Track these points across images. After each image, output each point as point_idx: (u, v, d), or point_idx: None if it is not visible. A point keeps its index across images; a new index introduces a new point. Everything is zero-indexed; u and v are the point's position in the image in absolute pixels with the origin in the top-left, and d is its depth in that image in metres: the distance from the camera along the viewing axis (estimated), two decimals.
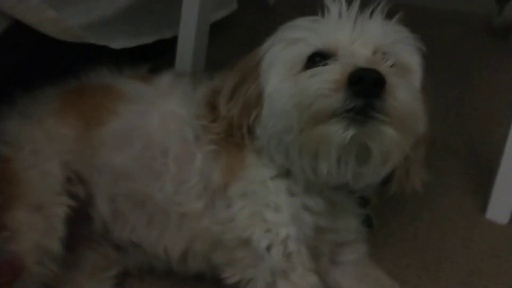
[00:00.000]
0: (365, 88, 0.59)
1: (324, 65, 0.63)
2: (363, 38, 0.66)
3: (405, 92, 0.62)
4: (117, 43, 0.92)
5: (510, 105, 0.88)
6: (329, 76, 0.61)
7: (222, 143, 0.73)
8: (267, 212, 0.69)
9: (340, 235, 0.76)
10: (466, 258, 0.82)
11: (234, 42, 1.23)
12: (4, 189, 0.73)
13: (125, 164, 0.76)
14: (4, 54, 0.78)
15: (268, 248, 0.68)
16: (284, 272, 0.68)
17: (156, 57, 1.05)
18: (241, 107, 0.71)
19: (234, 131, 0.71)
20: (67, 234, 0.74)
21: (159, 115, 0.77)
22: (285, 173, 0.71)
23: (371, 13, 0.68)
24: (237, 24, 1.27)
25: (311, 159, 0.65)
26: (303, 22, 0.70)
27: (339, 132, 0.60)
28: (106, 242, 0.80)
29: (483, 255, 0.83)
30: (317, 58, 0.65)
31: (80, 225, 0.78)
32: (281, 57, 0.68)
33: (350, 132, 0.60)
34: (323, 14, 0.69)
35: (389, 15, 0.68)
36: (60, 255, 0.73)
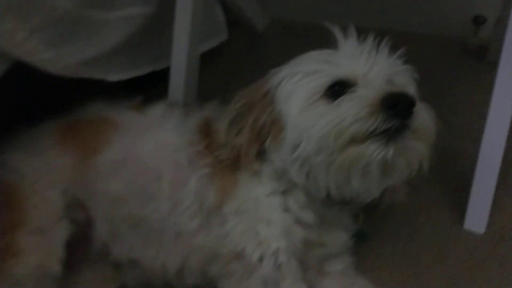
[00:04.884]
0: (401, 109, 0.68)
1: (348, 93, 0.70)
2: (376, 69, 0.73)
3: (425, 111, 0.72)
4: (113, 76, 0.98)
5: (483, 121, 0.93)
6: (364, 101, 0.68)
7: (215, 166, 0.79)
8: (259, 227, 0.75)
9: (327, 249, 0.81)
10: (444, 269, 0.86)
11: (225, 69, 1.29)
12: (7, 213, 0.79)
13: (120, 189, 0.81)
14: (6, 91, 0.84)
15: (260, 260, 0.74)
16: (275, 282, 0.73)
17: (150, 87, 1.12)
18: (250, 134, 0.76)
19: (241, 156, 0.77)
20: (66, 255, 0.80)
21: (152, 142, 0.83)
22: (282, 191, 0.77)
23: (378, 46, 0.75)
24: (227, 51, 1.33)
25: (341, 176, 0.71)
26: (317, 55, 0.77)
27: (379, 150, 0.67)
28: (104, 261, 0.85)
29: (461, 266, 0.87)
30: (336, 88, 0.72)
31: (79, 246, 0.83)
32: (300, 87, 0.74)
33: (391, 149, 0.68)
34: (325, 44, 0.76)
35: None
36: (60, 276, 0.79)
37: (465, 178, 0.93)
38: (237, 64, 1.32)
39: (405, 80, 0.77)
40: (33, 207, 0.80)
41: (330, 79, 0.73)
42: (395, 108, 0.67)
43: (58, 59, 0.85)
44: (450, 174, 1.01)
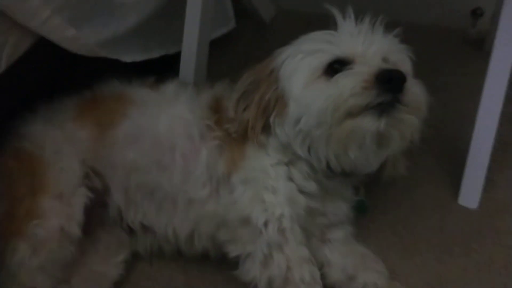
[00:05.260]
0: (393, 85, 0.73)
1: (347, 70, 0.76)
2: (373, 48, 0.78)
3: (416, 86, 0.77)
4: (127, 57, 1.04)
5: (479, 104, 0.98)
6: (360, 77, 0.73)
7: (225, 139, 0.85)
8: (265, 194, 0.80)
9: (329, 218, 0.87)
10: (440, 238, 0.92)
11: (233, 57, 1.34)
12: (30, 180, 0.84)
13: (135, 159, 0.87)
14: (29, 67, 0.90)
15: (265, 224, 0.79)
16: (279, 245, 0.78)
17: (160, 71, 1.17)
18: (256, 110, 0.82)
19: (248, 130, 0.82)
20: (85, 220, 0.85)
21: (166, 117, 0.88)
22: (287, 162, 0.82)
23: (373, 26, 0.80)
24: (235, 40, 1.38)
25: (339, 148, 0.77)
26: (318, 35, 0.81)
27: (372, 122, 0.73)
28: (119, 227, 0.91)
29: (455, 236, 0.92)
30: (336, 65, 0.77)
31: (97, 212, 0.89)
32: (302, 65, 0.79)
33: (383, 121, 0.73)
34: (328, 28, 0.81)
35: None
36: (78, 239, 0.84)
37: (462, 158, 0.97)
38: (244, 52, 1.37)
39: (400, 58, 0.82)
40: (54, 175, 0.85)
41: (329, 57, 0.78)
42: (388, 83, 0.73)
43: (78, 38, 0.91)
44: (448, 153, 1.06)
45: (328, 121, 0.75)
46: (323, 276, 0.84)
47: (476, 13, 1.35)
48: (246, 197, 0.81)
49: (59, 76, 1.01)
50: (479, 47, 1.31)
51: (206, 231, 0.86)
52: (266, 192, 0.81)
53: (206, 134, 0.86)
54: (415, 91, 0.76)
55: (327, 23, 0.82)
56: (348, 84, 0.74)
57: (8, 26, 0.81)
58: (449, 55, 1.32)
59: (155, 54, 1.13)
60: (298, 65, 0.80)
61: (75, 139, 0.89)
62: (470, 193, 0.96)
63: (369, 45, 0.79)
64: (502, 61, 0.92)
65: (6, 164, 0.86)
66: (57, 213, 0.83)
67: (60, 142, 0.88)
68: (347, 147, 0.77)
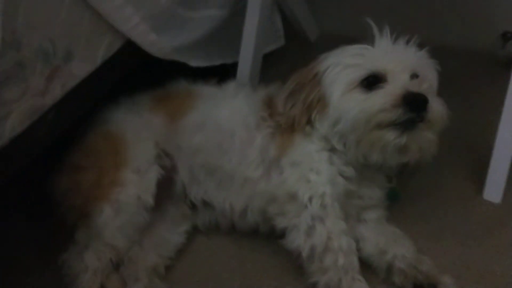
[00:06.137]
0: (417, 106, 0.87)
1: (378, 86, 0.89)
2: (403, 65, 0.91)
3: (438, 104, 0.90)
4: (194, 62, 1.21)
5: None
6: (389, 96, 0.88)
7: (276, 128, 0.99)
8: (310, 175, 0.94)
9: (365, 201, 0.99)
10: (464, 226, 1.03)
11: (281, 70, 1.50)
12: (114, 156, 1.01)
13: (201, 143, 1.02)
14: (117, 65, 1.08)
15: (310, 200, 0.92)
16: (321, 218, 0.91)
17: (219, 77, 1.34)
18: (301, 107, 0.95)
19: (295, 123, 0.96)
20: (156, 193, 1.01)
21: (227, 108, 1.04)
22: (329, 149, 0.96)
23: (407, 43, 0.94)
24: (281, 58, 1.55)
25: (366, 150, 0.92)
26: (357, 49, 0.94)
27: (395, 137, 0.88)
28: (183, 202, 1.06)
29: (479, 225, 1.03)
30: (370, 79, 0.91)
31: (166, 188, 1.04)
32: (341, 76, 0.92)
33: (405, 137, 0.89)
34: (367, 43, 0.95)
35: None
36: (151, 207, 1.00)
37: (488, 155, 1.08)
38: (291, 66, 1.51)
39: (428, 72, 0.95)
40: (134, 153, 1.02)
41: (364, 72, 0.92)
42: (412, 104, 0.87)
43: (158, 42, 1.09)
44: (474, 151, 1.19)
45: (360, 129, 0.90)
46: (358, 251, 0.95)
47: (506, 36, 1.48)
48: (293, 177, 0.95)
49: (137, 74, 1.19)
50: (508, 67, 1.43)
51: (258, 206, 0.99)
52: (311, 173, 0.94)
53: (261, 124, 1.00)
54: (436, 109, 0.89)
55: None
56: (379, 101, 0.89)
57: (105, 30, 1.00)
58: (479, 74, 1.45)
59: (215, 62, 1.31)
60: (338, 75, 0.93)
61: (151, 125, 1.06)
62: (494, 188, 1.07)
63: (399, 62, 0.92)
64: None
65: (96, 143, 1.03)
66: (135, 184, 0.99)
67: (138, 127, 1.05)
68: (372, 151, 0.92)
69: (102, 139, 1.03)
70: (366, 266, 0.95)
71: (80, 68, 0.95)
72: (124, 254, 0.98)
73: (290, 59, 1.56)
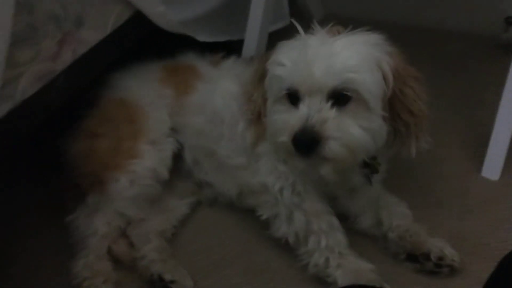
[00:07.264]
0: (304, 147, 0.80)
1: (298, 103, 0.81)
2: (321, 83, 0.79)
3: (336, 144, 0.80)
4: (201, 37, 1.23)
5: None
6: (287, 129, 0.81)
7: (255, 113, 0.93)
8: (278, 165, 0.93)
9: (349, 184, 0.94)
10: (462, 201, 1.05)
11: None
12: (129, 125, 1.01)
13: (201, 124, 1.03)
14: (126, 34, 1.09)
15: (280, 191, 0.92)
16: (296, 205, 0.92)
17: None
18: (260, 99, 0.90)
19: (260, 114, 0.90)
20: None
21: (220, 91, 1.02)
22: None
23: (346, 43, 0.81)
24: (288, 35, 1.56)
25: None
26: (285, 55, 0.84)
27: (299, 163, 0.83)
28: (190, 179, 1.08)
29: (476, 200, 1.05)
30: (291, 95, 0.83)
31: (177, 163, 1.06)
32: (272, 84, 0.86)
33: (301, 165, 0.83)
34: None
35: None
36: (166, 180, 1.01)
37: (487, 135, 1.10)
38: None
39: (366, 76, 0.80)
40: (150, 123, 1.02)
41: (285, 87, 0.83)
42: (299, 146, 0.80)
43: (166, 14, 1.11)
44: (473, 132, 1.21)
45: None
46: (355, 224, 0.99)
47: (509, 21, 1.50)
48: (265, 167, 0.94)
49: (146, 44, 1.20)
50: (510, 50, 1.45)
51: (247, 194, 1.00)
52: (279, 163, 0.92)
53: (244, 108, 0.94)
54: (333, 148, 0.79)
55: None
56: (276, 125, 0.84)
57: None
58: (482, 57, 1.47)
59: (221, 38, 1.32)
60: (271, 81, 0.86)
61: (163, 95, 1.06)
62: (493, 166, 1.09)
63: (317, 79, 0.79)
64: None
65: (112, 111, 1.03)
66: (152, 156, 0.99)
67: (152, 96, 1.06)
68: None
69: (117, 107, 1.04)
70: (364, 235, 0.98)
71: (91, 35, 0.97)
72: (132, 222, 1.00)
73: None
